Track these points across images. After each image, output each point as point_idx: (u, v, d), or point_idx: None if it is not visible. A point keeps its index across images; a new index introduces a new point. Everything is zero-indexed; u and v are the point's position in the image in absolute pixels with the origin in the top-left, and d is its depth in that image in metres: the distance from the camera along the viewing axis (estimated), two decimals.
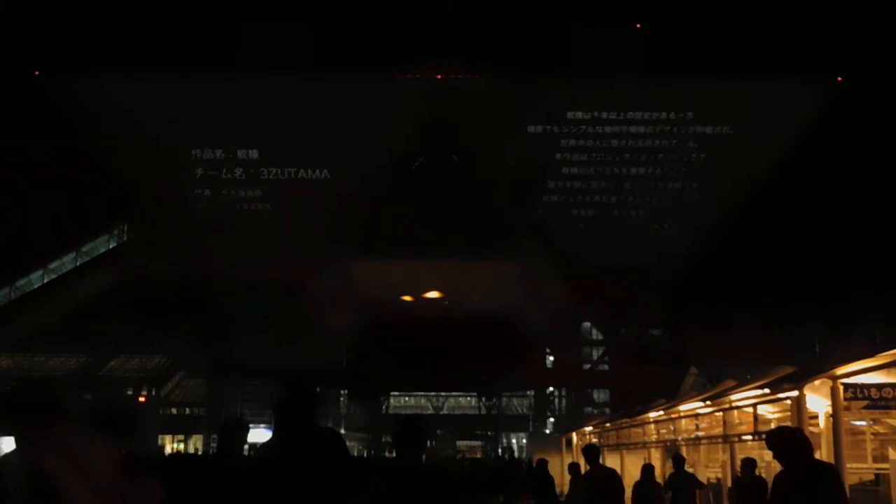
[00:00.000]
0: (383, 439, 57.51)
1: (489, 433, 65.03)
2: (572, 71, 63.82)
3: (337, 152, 61.00)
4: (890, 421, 11.62)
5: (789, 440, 6.03)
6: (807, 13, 56.78)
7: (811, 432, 10.13)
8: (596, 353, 65.33)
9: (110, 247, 66.36)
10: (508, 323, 54.55)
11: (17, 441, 3.78)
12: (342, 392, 64.63)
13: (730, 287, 50.61)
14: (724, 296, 48.67)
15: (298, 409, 4.68)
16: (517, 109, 62.33)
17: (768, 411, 12.02)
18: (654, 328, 60.59)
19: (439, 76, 65.01)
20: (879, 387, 9.50)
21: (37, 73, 60.72)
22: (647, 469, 13.67)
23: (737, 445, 12.66)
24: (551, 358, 65.45)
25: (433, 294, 62.97)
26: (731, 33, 59.25)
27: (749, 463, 10.72)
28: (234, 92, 61.77)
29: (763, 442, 12.31)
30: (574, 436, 26.71)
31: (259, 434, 58.34)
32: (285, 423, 4.70)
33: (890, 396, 9.51)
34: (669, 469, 13.66)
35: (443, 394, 66.71)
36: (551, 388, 65.78)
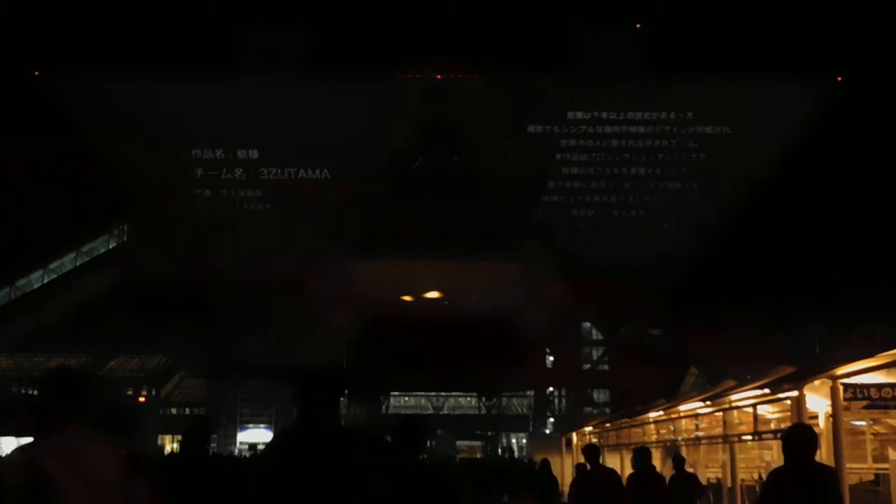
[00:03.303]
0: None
1: (489, 433, 65.01)
2: (572, 71, 63.79)
3: (337, 152, 60.98)
4: (890, 421, 11.61)
5: (789, 438, 6.05)
6: (807, 13, 56.83)
7: None
8: (596, 353, 65.35)
9: (110, 247, 66.38)
10: (508, 323, 54.54)
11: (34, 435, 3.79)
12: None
13: (730, 287, 50.61)
14: (724, 296, 48.68)
15: (305, 409, 4.62)
16: (517, 109, 62.30)
17: (768, 411, 12.02)
18: (654, 328, 60.61)
19: (439, 76, 64.99)
20: (879, 387, 9.50)
21: (37, 73, 60.73)
22: None
23: (737, 445, 12.66)
24: (551, 358, 65.46)
25: (433, 294, 62.97)
26: (731, 33, 59.30)
27: (643, 453, 10.68)
28: (234, 92, 61.76)
29: (762, 442, 12.35)
30: (574, 436, 26.69)
31: (259, 434, 58.60)
32: (296, 422, 4.63)
33: (890, 396, 9.50)
34: (670, 470, 13.65)
35: (443, 394, 66.69)
36: (551, 388, 65.79)
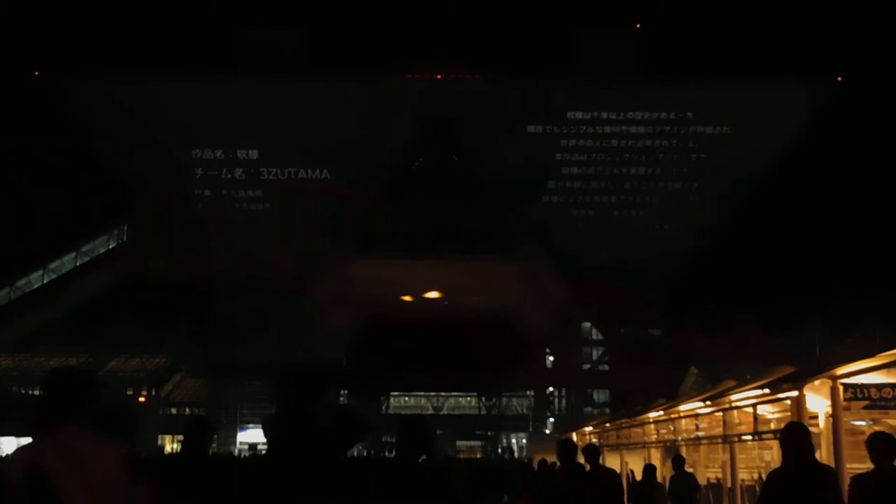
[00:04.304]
0: (383, 439, 57.47)
1: (489, 433, 64.98)
2: (572, 71, 63.82)
3: (337, 152, 60.99)
4: (890, 421, 11.61)
5: (783, 438, 6.07)
6: (807, 13, 56.82)
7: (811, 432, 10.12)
8: (596, 353, 65.33)
9: (110, 247, 66.36)
10: (508, 323, 54.53)
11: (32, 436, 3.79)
12: (342, 392, 64.59)
13: (730, 287, 50.59)
14: (724, 296, 48.66)
15: (295, 409, 4.66)
16: (517, 109, 62.30)
17: (768, 411, 12.02)
18: (654, 328, 60.60)
19: (439, 76, 64.96)
20: (879, 387, 9.50)
21: (37, 73, 60.72)
22: (649, 469, 13.69)
23: (737, 445, 12.67)
24: (551, 358, 65.44)
25: (433, 294, 62.95)
26: (731, 33, 59.29)
27: (566, 445, 10.56)
28: (234, 92, 61.74)
29: (762, 441, 12.36)
30: (574, 436, 26.70)
31: (259, 434, 58.55)
32: (287, 423, 4.68)
33: (890, 396, 9.51)
34: (670, 470, 13.67)
35: (443, 394, 66.67)
36: (551, 388, 65.76)
